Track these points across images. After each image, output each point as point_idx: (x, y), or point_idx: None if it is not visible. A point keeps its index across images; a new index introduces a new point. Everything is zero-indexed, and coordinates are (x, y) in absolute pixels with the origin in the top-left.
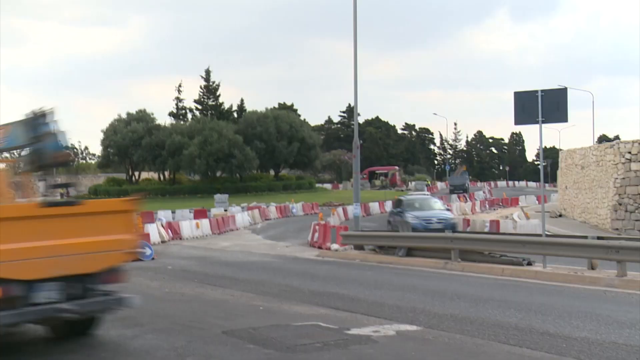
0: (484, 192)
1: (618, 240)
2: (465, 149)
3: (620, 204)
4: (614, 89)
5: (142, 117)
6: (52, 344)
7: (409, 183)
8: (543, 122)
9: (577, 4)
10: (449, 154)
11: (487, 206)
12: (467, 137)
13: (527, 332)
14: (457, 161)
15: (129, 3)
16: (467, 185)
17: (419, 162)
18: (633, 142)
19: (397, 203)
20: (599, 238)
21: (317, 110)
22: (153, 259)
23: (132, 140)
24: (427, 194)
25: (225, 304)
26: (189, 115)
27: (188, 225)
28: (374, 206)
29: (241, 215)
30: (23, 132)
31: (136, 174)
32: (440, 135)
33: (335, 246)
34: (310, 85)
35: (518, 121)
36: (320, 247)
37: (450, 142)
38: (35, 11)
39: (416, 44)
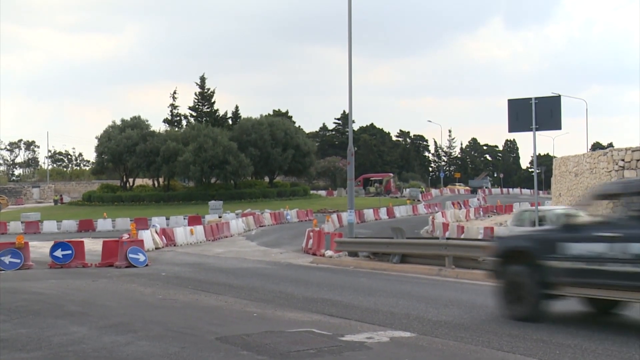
0: (478, 199)
1: None
2: (459, 156)
3: (613, 212)
4: (607, 96)
5: (136, 124)
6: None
7: (403, 190)
8: (537, 129)
9: (571, 11)
10: (444, 161)
11: (482, 213)
12: (461, 144)
13: (520, 339)
14: (452, 168)
15: (123, 9)
16: (484, 187)
17: (414, 169)
18: (626, 149)
19: None
20: None
21: (311, 117)
22: (147, 265)
23: (126, 146)
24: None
25: (219, 310)
26: (184, 122)
27: (182, 232)
28: (369, 213)
29: (235, 222)
30: None
31: (130, 180)
32: (435, 142)
33: (329, 253)
34: (305, 92)
35: (512, 128)
36: (314, 254)
37: (445, 149)
38: (28, 17)
39: (411, 52)
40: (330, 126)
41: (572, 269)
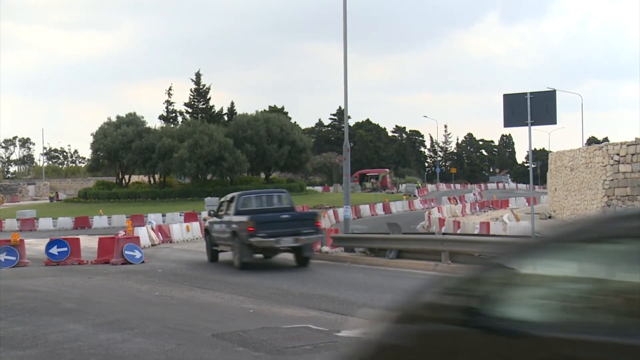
0: (474, 194)
1: None
2: (455, 151)
3: (608, 206)
4: (603, 91)
5: (132, 121)
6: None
7: (400, 185)
8: (532, 124)
9: (567, 6)
10: (440, 156)
11: (478, 208)
12: (457, 139)
13: None
14: (448, 163)
15: (119, 6)
16: (503, 183)
17: (410, 164)
18: (621, 144)
19: None
20: None
21: (307, 113)
22: (143, 262)
23: (122, 143)
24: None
25: (215, 307)
26: (179, 119)
27: (178, 229)
28: (365, 209)
29: None
30: None
31: (126, 177)
32: (431, 137)
33: (325, 248)
34: (301, 88)
35: (507, 123)
36: None
37: (441, 144)
38: (23, 14)
39: (406, 47)
40: (326, 122)
41: (217, 237)
